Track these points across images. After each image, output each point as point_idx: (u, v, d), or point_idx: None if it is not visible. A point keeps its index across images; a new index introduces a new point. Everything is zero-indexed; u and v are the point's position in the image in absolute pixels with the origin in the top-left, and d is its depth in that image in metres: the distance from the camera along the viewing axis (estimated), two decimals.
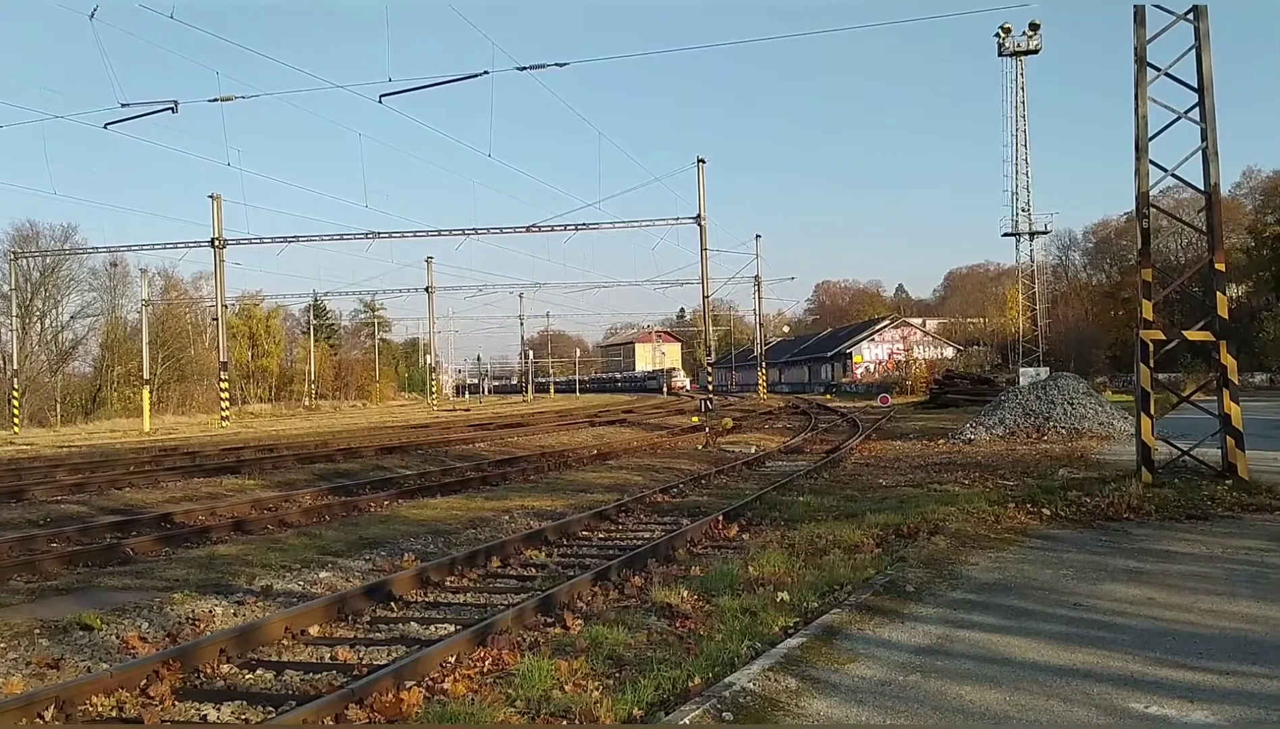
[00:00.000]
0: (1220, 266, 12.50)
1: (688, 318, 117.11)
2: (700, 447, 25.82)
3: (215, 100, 27.57)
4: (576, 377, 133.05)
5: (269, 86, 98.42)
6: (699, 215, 38.58)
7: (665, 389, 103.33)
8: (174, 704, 6.01)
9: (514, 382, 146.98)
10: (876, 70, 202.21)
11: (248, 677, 6.64)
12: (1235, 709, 4.94)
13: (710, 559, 9.97)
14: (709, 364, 44.31)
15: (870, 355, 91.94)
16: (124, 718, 5.78)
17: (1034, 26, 64.92)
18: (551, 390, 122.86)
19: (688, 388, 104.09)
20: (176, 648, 6.88)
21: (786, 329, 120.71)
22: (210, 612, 8.32)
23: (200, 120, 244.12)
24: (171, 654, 6.57)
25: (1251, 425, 13.93)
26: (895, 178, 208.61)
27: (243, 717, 5.87)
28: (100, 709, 5.83)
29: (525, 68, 23.72)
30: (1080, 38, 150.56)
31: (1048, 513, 11.15)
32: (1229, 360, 12.39)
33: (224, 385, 47.55)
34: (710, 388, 41.78)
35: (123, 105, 26.37)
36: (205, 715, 5.89)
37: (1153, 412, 12.58)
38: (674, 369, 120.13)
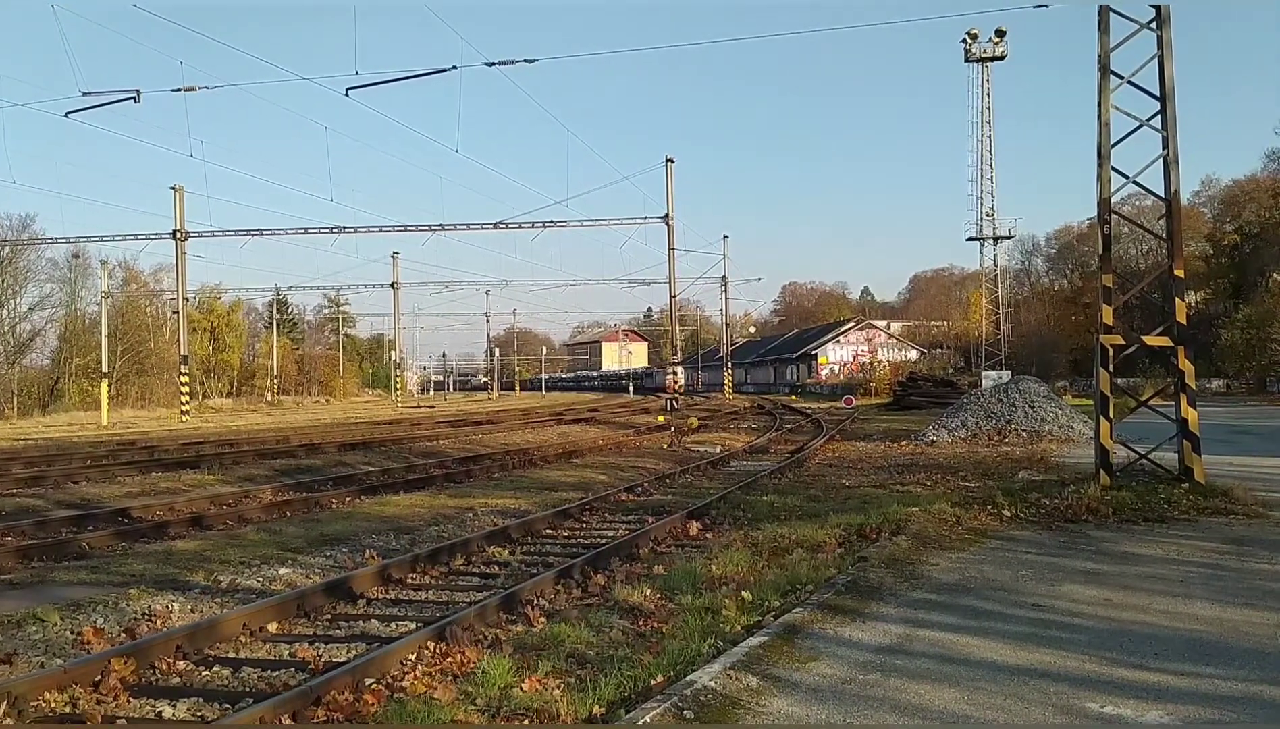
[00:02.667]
0: (1179, 273, 12.66)
1: (655, 317, 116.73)
2: (665, 446, 25.83)
3: (178, 90, 27.27)
4: (543, 375, 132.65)
5: (233, 77, 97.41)
6: (667, 215, 38.61)
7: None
8: (129, 701, 5.93)
9: (480, 379, 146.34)
10: (845, 73, 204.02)
11: (204, 673, 6.56)
12: (1190, 709, 5.00)
13: (673, 558, 9.98)
14: (675, 363, 44.27)
15: (835, 357, 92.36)
16: (77, 714, 5.68)
17: (1000, 33, 65.59)
18: (518, 388, 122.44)
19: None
20: (132, 644, 6.79)
21: (753, 330, 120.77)
22: (167, 608, 8.22)
23: (163, 110, 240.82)
24: (127, 650, 6.48)
25: (1208, 430, 14.14)
26: (862, 181, 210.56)
27: (199, 714, 5.80)
28: (54, 705, 5.74)
29: (494, 64, 23.59)
30: (1046, 45, 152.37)
31: (1008, 514, 11.23)
32: (1186, 365, 12.55)
33: (184, 379, 46.93)
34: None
35: (84, 94, 26.04)
36: (161, 712, 5.81)
37: (1111, 415, 12.71)
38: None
